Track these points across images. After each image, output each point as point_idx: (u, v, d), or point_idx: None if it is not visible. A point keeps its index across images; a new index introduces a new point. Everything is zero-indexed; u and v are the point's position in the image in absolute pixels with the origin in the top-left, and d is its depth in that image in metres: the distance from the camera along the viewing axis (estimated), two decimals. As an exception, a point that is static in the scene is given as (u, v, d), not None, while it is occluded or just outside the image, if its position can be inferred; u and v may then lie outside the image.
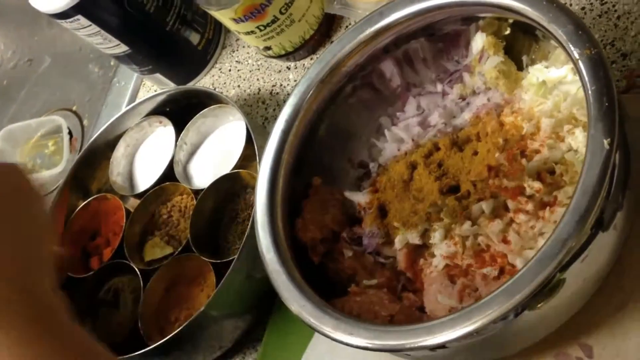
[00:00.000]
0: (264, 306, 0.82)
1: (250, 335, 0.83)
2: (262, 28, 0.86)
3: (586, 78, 0.55)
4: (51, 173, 1.17)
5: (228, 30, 1.06)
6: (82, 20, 0.92)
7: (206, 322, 0.77)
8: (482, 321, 0.52)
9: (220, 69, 1.05)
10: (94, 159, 1.00)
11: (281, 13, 0.85)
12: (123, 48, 0.98)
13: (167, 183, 0.91)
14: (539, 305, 0.54)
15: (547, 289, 0.52)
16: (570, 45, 0.56)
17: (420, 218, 0.67)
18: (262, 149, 0.73)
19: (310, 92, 0.73)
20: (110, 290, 0.91)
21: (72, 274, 0.92)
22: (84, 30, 0.94)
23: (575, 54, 0.55)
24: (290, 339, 0.78)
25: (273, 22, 0.86)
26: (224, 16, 0.86)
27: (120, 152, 0.99)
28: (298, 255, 0.68)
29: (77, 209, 0.97)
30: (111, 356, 0.51)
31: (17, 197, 0.55)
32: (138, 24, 0.97)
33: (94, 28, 0.94)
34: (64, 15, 0.91)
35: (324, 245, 0.72)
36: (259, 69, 1.00)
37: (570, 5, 0.76)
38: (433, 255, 0.66)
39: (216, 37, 1.05)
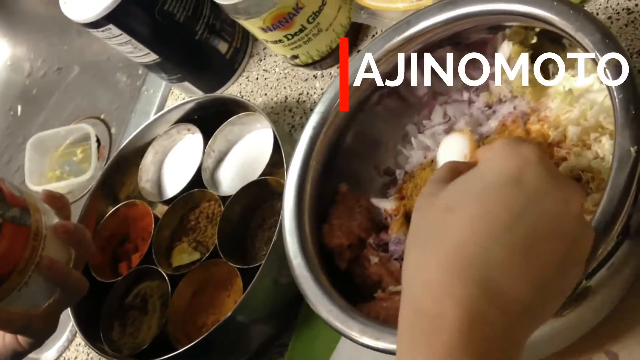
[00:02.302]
0: (291, 312, 0.82)
1: (277, 340, 0.84)
2: (289, 37, 0.88)
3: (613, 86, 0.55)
4: (79, 180, 1.19)
5: (255, 39, 1.07)
6: (113, 29, 0.94)
7: (233, 328, 0.78)
8: (508, 327, 0.52)
9: (247, 78, 1.07)
10: (123, 165, 1.01)
11: (309, 22, 0.86)
12: (153, 57, 1.00)
13: (195, 190, 0.92)
14: (565, 312, 0.54)
15: (574, 296, 0.52)
16: (598, 54, 0.56)
17: (447, 225, 0.67)
18: (289, 155, 0.74)
19: (338, 101, 0.73)
20: (139, 295, 0.92)
21: (101, 279, 0.93)
22: (115, 39, 0.96)
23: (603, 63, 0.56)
24: (316, 344, 0.79)
25: (301, 31, 0.87)
26: (252, 25, 0.87)
27: (149, 159, 1.01)
28: (325, 261, 0.69)
29: (106, 215, 0.99)
30: None
31: None
32: (168, 33, 0.98)
33: (125, 37, 0.95)
34: (95, 24, 0.93)
35: (350, 251, 0.72)
36: (285, 78, 1.01)
37: (597, 14, 0.76)
38: (459, 262, 0.66)
39: (244, 46, 1.06)
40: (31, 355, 0.74)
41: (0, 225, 0.60)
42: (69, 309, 0.90)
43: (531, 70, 0.70)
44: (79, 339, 1.05)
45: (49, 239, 0.64)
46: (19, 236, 0.61)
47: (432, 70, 0.76)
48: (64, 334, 1.07)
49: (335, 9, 0.89)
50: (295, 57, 0.93)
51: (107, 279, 0.93)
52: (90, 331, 0.90)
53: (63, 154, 1.28)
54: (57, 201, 0.69)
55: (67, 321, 1.01)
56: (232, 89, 1.08)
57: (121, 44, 0.97)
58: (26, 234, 0.62)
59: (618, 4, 0.75)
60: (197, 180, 0.93)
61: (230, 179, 0.94)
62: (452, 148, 0.68)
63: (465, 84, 0.76)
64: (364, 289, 0.71)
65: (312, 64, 0.94)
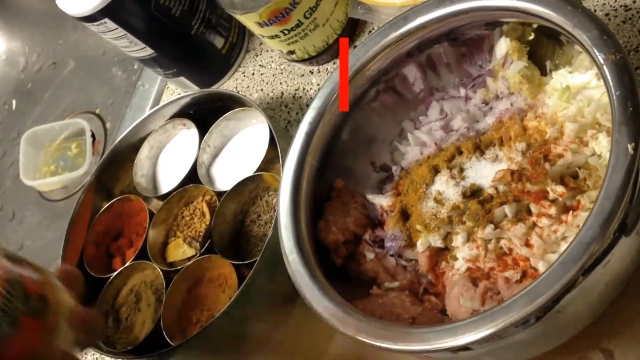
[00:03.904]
0: (286, 307, 0.82)
1: (272, 336, 0.84)
2: (286, 32, 0.87)
3: (611, 83, 0.55)
4: (74, 175, 1.18)
5: (252, 35, 1.07)
6: (109, 23, 0.93)
7: (228, 323, 0.78)
8: (504, 323, 0.52)
9: (243, 73, 1.06)
10: (118, 160, 1.01)
11: (305, 17, 0.86)
12: (148, 51, 0.99)
13: (190, 185, 0.92)
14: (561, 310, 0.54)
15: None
16: (595, 50, 0.56)
17: (443, 221, 0.67)
18: (284, 151, 0.74)
19: (334, 96, 0.73)
20: (133, 290, 0.92)
21: (95, 274, 0.93)
22: (111, 33, 0.95)
23: (600, 59, 0.56)
24: (312, 340, 0.78)
25: (297, 26, 0.87)
26: (248, 20, 0.86)
27: (144, 154, 1.00)
28: (320, 257, 0.69)
29: (101, 210, 0.98)
30: None
31: None
32: (164, 28, 0.98)
33: (121, 31, 0.95)
34: (91, 18, 0.93)
35: (346, 247, 0.72)
36: (282, 73, 1.01)
37: (595, 11, 0.76)
38: (455, 259, 0.66)
39: (240, 41, 1.06)
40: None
41: (18, 321, 0.56)
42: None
43: (528, 67, 0.70)
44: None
45: (62, 326, 0.60)
46: (37, 330, 0.58)
47: (429, 66, 0.76)
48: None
49: (331, 5, 0.88)
50: (291, 52, 0.93)
51: (101, 274, 0.93)
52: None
53: (58, 148, 1.27)
54: (71, 278, 0.67)
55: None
56: (228, 84, 1.07)
57: (116, 38, 0.97)
58: (44, 327, 0.59)
59: (616, 0, 0.75)
60: (192, 176, 0.92)
61: (225, 174, 0.93)
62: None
63: (461, 80, 0.76)
64: (360, 285, 0.71)
65: (309, 60, 0.94)
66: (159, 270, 0.88)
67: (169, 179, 0.99)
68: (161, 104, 1.02)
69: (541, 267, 0.60)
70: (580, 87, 0.66)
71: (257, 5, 0.83)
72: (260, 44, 1.06)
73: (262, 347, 0.84)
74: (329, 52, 0.93)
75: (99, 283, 0.92)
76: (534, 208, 0.62)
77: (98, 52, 1.33)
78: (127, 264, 0.92)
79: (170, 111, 0.99)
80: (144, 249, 0.91)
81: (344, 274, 0.72)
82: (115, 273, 0.92)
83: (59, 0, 0.94)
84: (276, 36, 0.89)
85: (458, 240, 0.65)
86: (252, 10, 0.84)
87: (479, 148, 0.70)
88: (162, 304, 0.85)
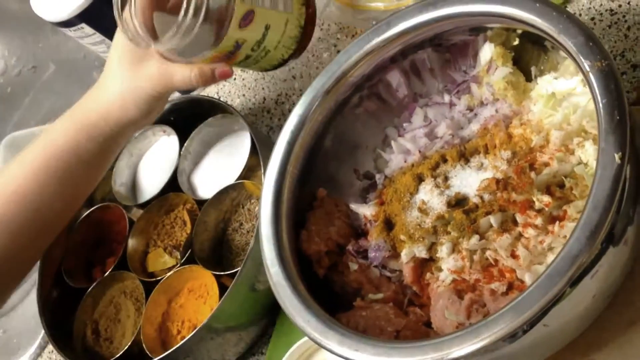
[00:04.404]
0: (268, 319, 0.81)
1: (254, 348, 0.83)
2: (236, 64, 0.78)
3: (597, 91, 0.54)
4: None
5: (233, 39, 1.05)
6: (86, 28, 0.92)
7: (209, 335, 0.77)
8: (490, 338, 0.51)
9: (225, 78, 1.04)
10: (98, 168, 0.99)
11: (253, 50, 0.76)
12: (127, 56, 0.97)
13: (171, 193, 0.90)
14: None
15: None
16: (581, 57, 0.55)
17: (427, 231, 0.66)
18: (267, 159, 0.72)
19: (316, 103, 0.72)
20: (112, 301, 0.90)
21: (74, 284, 0.91)
22: (88, 38, 0.94)
23: (586, 66, 0.55)
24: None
25: (247, 58, 0.77)
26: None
27: (123, 162, 0.99)
28: (303, 268, 0.68)
29: (79, 219, 0.96)
30: None
31: None
32: (142, 33, 0.96)
33: (98, 36, 0.93)
34: (68, 23, 0.91)
35: (329, 258, 0.71)
36: (264, 78, 1.00)
37: (580, 15, 0.75)
38: (440, 270, 0.65)
39: (221, 46, 1.04)
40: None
41: None
42: (39, 315, 0.89)
43: (513, 73, 0.69)
44: (52, 346, 1.03)
45: None
46: None
47: (413, 72, 0.75)
48: (36, 341, 1.04)
49: (280, 30, 0.77)
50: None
51: (80, 284, 0.91)
52: (63, 338, 0.88)
53: (38, 154, 1.25)
54: None
55: (39, 328, 0.99)
56: (210, 90, 1.06)
57: (95, 44, 0.95)
58: None
59: (601, 5, 0.74)
60: (173, 184, 0.91)
61: (206, 182, 0.92)
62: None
63: (446, 86, 0.75)
64: (343, 297, 0.69)
65: (274, 69, 0.83)
66: (139, 280, 0.86)
67: (149, 187, 0.97)
68: (141, 109, 1.00)
69: (527, 279, 0.58)
70: (566, 93, 0.65)
71: (198, 56, 0.73)
72: (242, 48, 1.04)
73: (245, 359, 0.83)
74: (292, 59, 0.82)
75: (78, 293, 0.90)
76: (519, 218, 0.60)
77: (79, 56, 1.31)
78: (106, 274, 0.90)
79: (150, 117, 0.97)
80: (124, 258, 0.89)
81: (327, 284, 0.71)
82: (94, 284, 0.90)
83: (35, 5, 0.92)
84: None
85: (443, 251, 0.64)
86: (197, 60, 0.74)
87: (464, 156, 0.69)
88: (142, 315, 0.83)
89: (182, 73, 0.71)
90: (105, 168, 0.80)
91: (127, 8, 0.70)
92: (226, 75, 0.73)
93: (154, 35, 0.71)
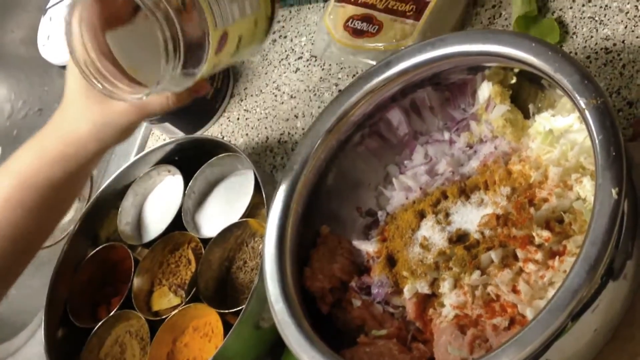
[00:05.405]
0: (273, 356, 0.81)
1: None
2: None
3: (593, 127, 0.55)
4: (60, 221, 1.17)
5: (236, 80, 1.07)
6: (92, 71, 0.93)
7: (214, 373, 0.77)
8: (493, 373, 0.51)
9: (228, 118, 1.06)
10: (103, 207, 1.00)
11: (229, 59, 0.71)
12: (133, 98, 0.99)
13: (176, 232, 0.91)
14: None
15: None
16: (577, 95, 0.56)
17: (429, 267, 0.66)
18: (270, 197, 0.73)
19: (318, 142, 0.73)
20: (117, 341, 0.90)
21: (80, 324, 0.91)
22: (94, 81, 0.95)
23: (582, 104, 0.56)
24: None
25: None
26: None
27: (129, 202, 1.00)
28: (307, 305, 0.68)
29: (85, 259, 0.97)
30: None
31: None
32: (148, 75, 0.97)
33: (104, 79, 0.94)
34: (74, 66, 0.92)
35: (332, 294, 0.71)
36: (267, 117, 1.01)
37: (576, 54, 0.76)
38: (442, 305, 0.66)
39: (225, 87, 1.06)
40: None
41: None
42: (45, 355, 0.89)
43: (511, 110, 0.70)
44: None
45: None
46: None
47: (413, 110, 0.76)
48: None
49: (251, 31, 0.71)
50: None
51: (85, 324, 0.92)
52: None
53: (43, 195, 1.26)
54: None
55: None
56: (213, 130, 1.07)
57: (101, 86, 0.96)
58: None
59: (596, 43, 0.75)
60: (177, 223, 0.91)
61: (211, 220, 0.93)
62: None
63: (445, 123, 0.76)
64: (347, 333, 0.70)
65: None
66: (144, 319, 0.86)
67: (154, 226, 0.98)
68: (146, 150, 1.01)
69: (529, 313, 0.59)
70: (563, 130, 0.66)
71: (177, 89, 0.67)
72: (245, 88, 1.06)
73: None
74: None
75: (84, 333, 0.91)
76: (520, 253, 0.61)
77: (84, 98, 1.33)
78: (111, 313, 0.90)
79: (155, 157, 0.99)
80: (129, 297, 0.89)
81: (331, 321, 0.72)
82: (100, 324, 0.90)
83: (43, 50, 0.94)
84: None
85: (445, 286, 0.65)
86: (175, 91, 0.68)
87: (464, 192, 0.70)
88: (147, 353, 0.83)
89: (157, 100, 0.66)
90: (81, 189, 0.77)
91: (74, 35, 0.60)
92: (203, 90, 0.70)
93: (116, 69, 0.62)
